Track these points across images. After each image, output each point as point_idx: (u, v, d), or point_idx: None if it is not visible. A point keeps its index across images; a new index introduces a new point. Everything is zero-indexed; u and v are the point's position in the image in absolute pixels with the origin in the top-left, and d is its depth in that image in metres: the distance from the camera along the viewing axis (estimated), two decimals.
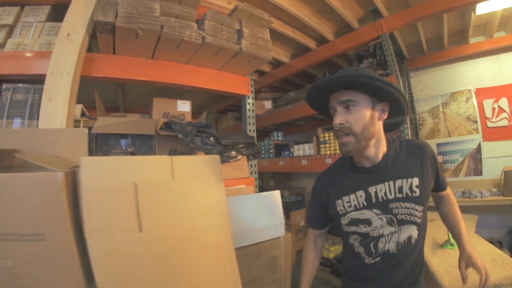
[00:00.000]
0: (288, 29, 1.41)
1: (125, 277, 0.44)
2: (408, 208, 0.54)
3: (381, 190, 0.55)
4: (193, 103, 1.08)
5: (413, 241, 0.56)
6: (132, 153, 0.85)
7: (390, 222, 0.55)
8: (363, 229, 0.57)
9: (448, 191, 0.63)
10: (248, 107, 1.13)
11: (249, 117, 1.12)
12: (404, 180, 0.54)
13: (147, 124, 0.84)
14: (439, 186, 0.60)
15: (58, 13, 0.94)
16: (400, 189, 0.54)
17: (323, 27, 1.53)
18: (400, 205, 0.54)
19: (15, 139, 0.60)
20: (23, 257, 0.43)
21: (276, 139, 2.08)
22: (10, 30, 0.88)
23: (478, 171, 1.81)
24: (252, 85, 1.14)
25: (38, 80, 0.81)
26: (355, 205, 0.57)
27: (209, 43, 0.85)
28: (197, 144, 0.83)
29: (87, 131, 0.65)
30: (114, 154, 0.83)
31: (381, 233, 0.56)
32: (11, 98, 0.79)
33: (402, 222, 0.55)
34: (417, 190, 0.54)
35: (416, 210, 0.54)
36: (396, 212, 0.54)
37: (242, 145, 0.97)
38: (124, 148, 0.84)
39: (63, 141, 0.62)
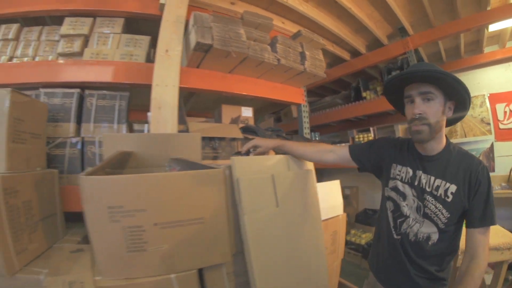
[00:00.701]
0: (328, 44, 1.62)
1: (267, 238, 0.62)
2: (436, 208, 0.56)
3: (423, 178, 0.58)
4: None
5: (430, 242, 0.57)
6: (217, 153, 1.03)
7: (418, 209, 0.58)
8: (397, 200, 0.61)
9: (481, 242, 0.53)
10: (303, 114, 1.32)
11: (304, 122, 1.30)
12: (443, 183, 0.56)
13: (232, 128, 1.02)
14: (472, 217, 0.55)
15: (130, 26, 1.11)
16: (437, 188, 0.56)
17: (357, 42, 1.74)
18: (432, 201, 0.57)
19: (131, 142, 0.76)
20: (180, 239, 0.56)
21: (314, 138, 2.26)
22: (85, 39, 1.03)
23: (490, 168, 1.98)
24: (305, 95, 1.34)
25: (121, 87, 0.96)
26: (402, 177, 0.62)
27: (283, 64, 1.03)
28: None
29: (200, 135, 0.83)
30: (204, 154, 1.01)
31: (408, 214, 0.59)
32: (96, 104, 0.94)
33: (426, 216, 0.57)
34: (451, 196, 0.55)
35: (442, 214, 0.55)
36: (426, 204, 0.57)
37: None
38: (212, 149, 1.02)
39: (179, 144, 0.79)
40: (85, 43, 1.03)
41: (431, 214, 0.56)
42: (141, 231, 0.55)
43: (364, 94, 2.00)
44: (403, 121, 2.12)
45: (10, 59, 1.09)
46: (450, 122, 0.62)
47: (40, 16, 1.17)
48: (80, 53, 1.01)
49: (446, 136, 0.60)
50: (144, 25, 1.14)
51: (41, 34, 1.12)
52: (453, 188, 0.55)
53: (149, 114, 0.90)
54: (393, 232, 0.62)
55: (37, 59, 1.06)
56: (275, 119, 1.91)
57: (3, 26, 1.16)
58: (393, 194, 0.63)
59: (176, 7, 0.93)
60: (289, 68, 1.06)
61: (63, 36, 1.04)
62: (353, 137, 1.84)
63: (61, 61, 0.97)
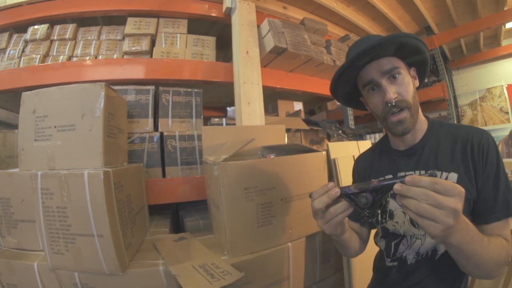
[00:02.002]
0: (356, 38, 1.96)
1: None
2: None
3: None
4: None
5: (437, 257, 0.48)
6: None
7: (413, 221, 0.49)
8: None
9: (503, 233, 0.43)
10: (348, 107, 1.59)
11: (349, 114, 1.58)
12: (438, 173, 0.47)
13: (297, 121, 1.25)
14: (482, 208, 0.45)
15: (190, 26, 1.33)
16: None
17: None
18: None
19: (226, 134, 0.98)
20: (297, 211, 0.79)
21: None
22: (151, 39, 1.24)
23: (510, 154, 2.39)
24: None
25: (193, 84, 1.18)
26: None
27: (337, 65, 1.31)
28: (337, 134, 1.26)
29: (284, 127, 1.05)
30: None
31: (402, 233, 0.52)
32: (172, 100, 1.15)
33: None
34: None
35: None
36: None
37: (350, 134, 1.43)
38: None
39: (267, 134, 1.01)
40: (152, 43, 1.24)
41: None
42: (270, 206, 0.76)
43: None
44: (432, 110, 2.50)
45: (69, 58, 1.27)
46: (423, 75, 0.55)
47: (86, 17, 1.36)
48: (148, 52, 1.21)
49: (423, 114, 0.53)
50: (192, 24, 1.36)
51: (100, 34, 1.31)
52: (453, 176, 0.46)
53: (230, 109, 1.11)
54: (386, 259, 0.55)
55: (100, 57, 1.24)
56: (309, 111, 2.18)
57: (58, 26, 1.34)
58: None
59: (247, 12, 1.18)
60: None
61: (127, 35, 1.24)
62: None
63: (134, 58, 1.17)
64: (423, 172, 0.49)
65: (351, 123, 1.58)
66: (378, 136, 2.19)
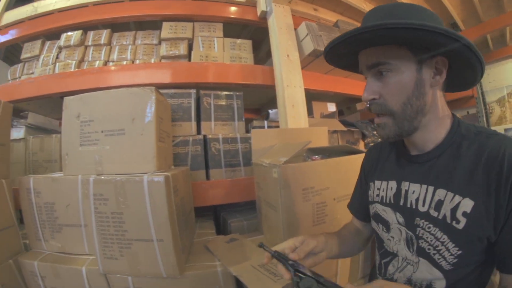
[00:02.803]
0: None
1: None
2: (437, 240, 0.41)
3: (413, 192, 0.44)
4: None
5: None
6: None
7: (408, 242, 0.45)
8: (381, 231, 0.50)
9: None
10: None
11: None
12: (450, 195, 0.40)
13: (335, 122, 1.37)
14: (500, 250, 0.38)
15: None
16: (439, 205, 0.41)
17: None
18: (429, 228, 0.41)
19: (273, 137, 1.10)
20: (346, 208, 0.83)
21: None
22: (188, 42, 1.38)
23: None
24: None
25: (233, 88, 1.31)
26: (382, 197, 0.50)
27: None
28: (372, 135, 1.39)
29: (327, 128, 1.17)
30: None
31: (395, 251, 0.47)
32: (213, 103, 1.28)
33: (421, 252, 0.43)
34: (463, 220, 0.38)
35: (447, 249, 0.40)
36: (420, 235, 0.43)
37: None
38: None
39: (311, 136, 1.13)
40: (189, 46, 1.37)
41: (429, 249, 0.42)
42: (324, 206, 0.88)
43: None
44: (460, 108, 2.60)
45: (105, 63, 1.40)
46: (462, 81, 0.45)
47: (117, 23, 1.50)
48: (186, 56, 1.34)
49: (452, 114, 0.45)
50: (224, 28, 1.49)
51: (135, 39, 1.45)
52: (467, 204, 0.38)
53: (272, 111, 1.24)
54: (378, 275, 0.52)
55: (137, 62, 1.38)
56: (338, 112, 2.33)
57: (92, 32, 1.48)
58: (374, 225, 0.52)
59: (283, 15, 1.31)
60: None
61: (164, 39, 1.38)
62: None
63: (176, 62, 1.30)
64: (431, 188, 0.41)
65: None
66: None
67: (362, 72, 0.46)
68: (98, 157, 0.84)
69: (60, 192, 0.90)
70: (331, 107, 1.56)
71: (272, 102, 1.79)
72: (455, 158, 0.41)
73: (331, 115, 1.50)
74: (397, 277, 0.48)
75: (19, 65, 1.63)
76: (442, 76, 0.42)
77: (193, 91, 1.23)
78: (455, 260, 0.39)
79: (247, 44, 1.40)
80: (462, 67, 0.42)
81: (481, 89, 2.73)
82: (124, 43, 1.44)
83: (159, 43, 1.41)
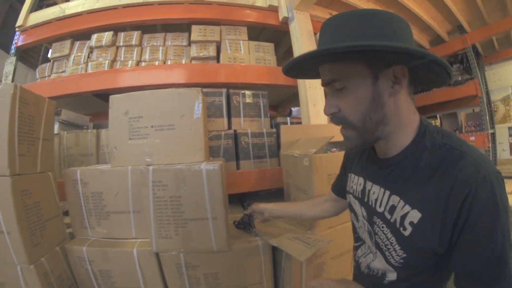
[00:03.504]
0: None
1: None
2: (388, 239, 0.48)
3: (374, 193, 0.51)
4: None
5: (385, 282, 0.51)
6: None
7: (370, 235, 0.54)
8: (353, 219, 0.61)
9: None
10: None
11: None
12: (401, 203, 0.45)
13: None
14: (458, 270, 0.42)
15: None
16: (392, 209, 0.47)
17: (422, 39, 2.54)
18: (383, 227, 0.49)
19: (299, 132, 1.37)
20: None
21: None
22: (217, 45, 1.63)
23: None
24: None
25: (259, 87, 1.56)
26: (354, 190, 0.59)
27: None
28: None
29: None
30: None
31: (363, 239, 0.57)
32: (242, 101, 1.53)
33: (377, 246, 0.51)
34: (409, 229, 0.43)
35: (394, 250, 0.47)
36: (376, 231, 0.51)
37: None
38: None
39: (330, 132, 1.39)
40: (217, 48, 1.62)
41: (382, 245, 0.50)
42: None
43: None
44: (465, 106, 2.91)
45: (137, 63, 1.63)
46: (428, 83, 0.51)
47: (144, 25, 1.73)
48: (215, 57, 1.59)
49: (421, 119, 0.48)
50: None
51: (165, 40, 1.69)
52: (414, 215, 0.43)
53: (294, 109, 1.49)
54: (353, 255, 0.64)
55: (168, 62, 1.61)
56: None
57: (122, 33, 1.71)
58: (349, 213, 0.63)
59: (304, 22, 1.57)
60: None
61: (194, 42, 1.62)
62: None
63: (208, 63, 1.55)
64: (387, 192, 0.48)
65: None
66: None
67: (323, 85, 0.49)
68: (148, 150, 1.03)
69: (109, 182, 1.06)
70: None
71: (289, 100, 2.04)
72: (413, 168, 0.45)
73: None
74: (361, 261, 0.58)
75: (48, 64, 1.85)
76: (401, 84, 0.44)
77: (224, 90, 1.47)
78: (401, 261, 0.46)
79: (270, 47, 1.65)
80: (426, 73, 0.44)
81: (486, 88, 3.04)
82: (155, 44, 1.67)
83: (189, 44, 1.65)
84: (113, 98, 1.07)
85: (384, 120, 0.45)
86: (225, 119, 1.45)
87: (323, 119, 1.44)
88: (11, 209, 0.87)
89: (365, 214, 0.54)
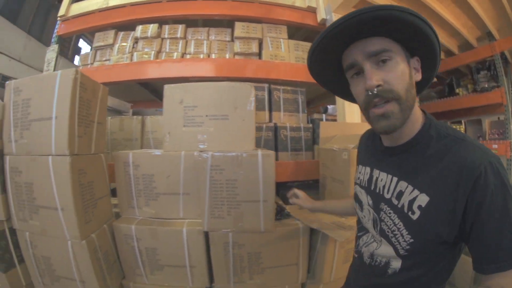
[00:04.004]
0: None
1: None
2: (395, 225, 0.52)
3: (381, 180, 0.56)
4: None
5: (389, 271, 0.54)
6: None
7: (374, 223, 0.57)
8: (357, 209, 0.65)
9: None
10: None
11: None
12: (410, 188, 0.50)
13: None
14: (477, 253, 0.45)
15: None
16: (399, 195, 0.51)
17: (450, 43, 2.72)
18: (390, 213, 0.53)
19: (335, 128, 1.56)
20: None
21: None
22: (259, 42, 1.84)
23: None
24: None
25: (297, 84, 1.75)
26: (361, 180, 0.64)
27: None
28: None
29: None
30: None
31: (367, 228, 0.61)
32: (282, 97, 1.72)
33: (382, 233, 0.55)
34: (417, 212, 0.48)
35: (402, 235, 0.50)
36: (382, 218, 0.55)
37: None
38: None
39: (363, 129, 1.58)
40: (259, 45, 1.81)
41: (388, 231, 0.53)
42: None
43: (457, 91, 3.09)
44: (490, 113, 3.08)
45: (182, 55, 1.83)
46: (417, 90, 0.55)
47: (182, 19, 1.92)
48: (257, 54, 1.78)
49: (423, 111, 0.55)
50: None
51: (209, 35, 1.88)
52: (423, 199, 0.47)
53: (330, 106, 1.68)
54: (354, 246, 0.67)
55: (212, 56, 1.81)
56: None
57: (167, 26, 1.91)
58: (354, 203, 0.68)
59: None
60: None
61: (237, 38, 1.81)
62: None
63: (252, 59, 1.74)
64: (395, 179, 0.53)
65: None
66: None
67: (353, 65, 0.51)
68: (202, 137, 1.18)
69: (161, 165, 1.18)
70: None
71: (319, 97, 2.23)
72: (421, 156, 0.50)
73: None
74: (364, 251, 0.61)
75: (90, 52, 2.06)
76: (418, 74, 0.52)
77: (266, 85, 1.67)
78: (408, 247, 0.50)
79: (308, 46, 1.84)
80: (428, 65, 0.53)
81: (511, 96, 3.20)
82: (199, 38, 1.87)
83: (232, 40, 1.84)
84: (168, 87, 1.21)
85: (414, 101, 0.50)
86: (267, 112, 1.64)
87: (357, 118, 1.63)
88: (68, 187, 0.95)
89: (371, 202, 0.59)
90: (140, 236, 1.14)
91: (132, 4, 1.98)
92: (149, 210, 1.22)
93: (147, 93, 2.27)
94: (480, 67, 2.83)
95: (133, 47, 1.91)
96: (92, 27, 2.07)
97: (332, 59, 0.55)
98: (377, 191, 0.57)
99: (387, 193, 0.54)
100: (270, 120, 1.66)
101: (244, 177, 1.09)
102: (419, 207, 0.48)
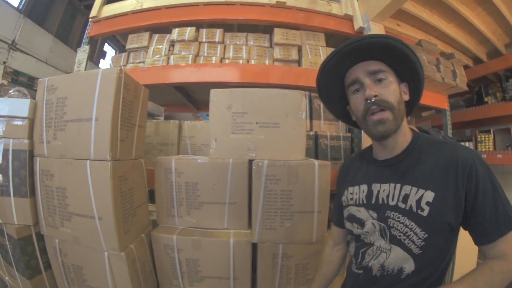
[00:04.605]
0: (458, 53, 2.75)
1: None
2: (406, 226, 0.60)
3: (384, 190, 0.65)
4: None
5: (403, 276, 0.61)
6: None
7: (382, 233, 0.64)
8: (355, 229, 0.71)
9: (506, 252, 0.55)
10: (448, 117, 2.35)
11: (448, 125, 2.34)
12: (414, 189, 0.60)
13: (415, 130, 1.99)
14: (482, 228, 0.57)
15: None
16: (405, 198, 0.61)
17: (479, 50, 2.91)
18: (399, 218, 0.61)
19: None
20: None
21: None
22: (298, 49, 1.97)
23: None
24: (448, 102, 2.39)
25: None
26: (356, 199, 0.72)
27: (447, 83, 2.05)
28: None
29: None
30: None
31: (372, 241, 0.67)
32: (322, 105, 1.86)
33: (394, 240, 0.62)
34: (426, 208, 0.58)
35: (415, 234, 0.59)
36: (391, 224, 0.63)
37: None
38: None
39: None
40: (298, 52, 1.95)
41: (400, 236, 0.61)
42: None
43: (485, 99, 3.29)
44: (506, 123, 3.27)
45: (221, 60, 1.96)
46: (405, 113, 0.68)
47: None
48: (296, 61, 1.92)
49: (411, 129, 0.69)
50: None
51: (247, 40, 2.02)
52: (429, 195, 0.58)
53: None
54: (353, 263, 0.72)
55: (252, 61, 1.94)
56: None
57: (204, 30, 2.04)
58: (349, 226, 0.74)
59: (379, 33, 1.91)
60: (450, 85, 2.09)
61: (277, 44, 1.95)
62: (475, 136, 3.06)
63: (292, 67, 1.88)
64: (398, 185, 0.63)
65: (449, 131, 2.34)
66: (467, 145, 2.99)
67: (355, 81, 0.67)
68: (252, 145, 1.19)
69: (206, 173, 1.19)
70: None
71: None
72: (417, 160, 0.63)
73: (409, 122, 2.12)
74: (372, 264, 0.66)
75: (123, 54, 2.17)
76: (406, 96, 0.69)
77: (307, 93, 1.80)
78: (423, 243, 0.58)
79: None
80: (414, 90, 0.70)
81: None
82: (238, 43, 2.00)
83: (270, 46, 1.98)
84: (215, 92, 1.23)
85: (403, 114, 0.66)
86: (308, 121, 1.78)
87: None
88: (108, 195, 0.91)
89: (375, 215, 0.67)
90: (181, 246, 1.15)
91: (167, 7, 2.11)
92: (191, 219, 1.23)
93: (180, 97, 2.39)
94: (509, 74, 3.02)
95: (169, 50, 2.04)
96: (125, 28, 2.20)
97: (337, 78, 0.72)
98: (380, 202, 0.66)
99: (392, 200, 0.63)
100: (311, 129, 1.79)
101: (299, 188, 1.13)
102: (427, 203, 0.58)
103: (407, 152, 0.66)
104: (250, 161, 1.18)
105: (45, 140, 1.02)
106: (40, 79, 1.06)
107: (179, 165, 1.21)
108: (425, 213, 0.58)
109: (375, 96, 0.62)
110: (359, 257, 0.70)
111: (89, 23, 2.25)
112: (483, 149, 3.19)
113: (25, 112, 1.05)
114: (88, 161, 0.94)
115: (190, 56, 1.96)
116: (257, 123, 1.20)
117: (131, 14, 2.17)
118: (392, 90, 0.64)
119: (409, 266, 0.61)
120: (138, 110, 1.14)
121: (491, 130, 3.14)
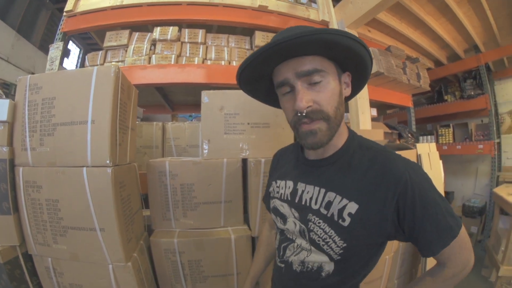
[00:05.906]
0: (421, 56, 3.35)
1: None
2: (326, 233, 0.64)
3: (308, 192, 0.69)
4: None
5: (323, 274, 0.67)
6: None
7: (301, 234, 0.69)
8: (279, 223, 0.77)
9: (451, 255, 0.61)
10: (412, 114, 2.90)
11: (412, 121, 2.89)
12: (338, 198, 0.63)
13: (382, 126, 2.48)
14: (419, 242, 0.61)
15: None
16: (328, 205, 0.64)
17: (441, 54, 3.58)
18: (319, 223, 0.65)
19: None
20: None
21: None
22: None
23: None
24: (412, 100, 2.95)
25: None
26: (281, 194, 0.77)
27: (412, 84, 2.59)
28: (406, 136, 2.54)
29: (383, 131, 2.28)
30: None
31: (293, 239, 0.73)
32: None
33: (313, 243, 0.67)
34: (348, 219, 0.61)
35: (334, 242, 0.63)
36: (311, 228, 0.67)
37: (411, 136, 2.75)
38: None
39: (374, 135, 2.22)
40: None
41: (319, 240, 0.65)
42: None
43: (445, 97, 4.03)
44: (475, 117, 4.06)
45: (203, 60, 2.28)
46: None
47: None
48: None
49: (346, 125, 0.69)
50: None
51: (229, 42, 2.35)
52: (352, 207, 0.61)
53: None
54: (277, 257, 0.79)
55: (233, 63, 2.28)
56: None
57: (187, 30, 2.33)
58: (274, 218, 0.81)
59: None
60: (414, 86, 2.64)
61: (258, 46, 2.31)
62: (437, 131, 3.85)
63: None
64: (323, 190, 0.66)
65: (413, 127, 2.91)
66: (429, 138, 3.62)
67: (285, 82, 0.63)
68: (244, 144, 1.33)
69: (202, 174, 1.28)
70: (373, 112, 2.67)
71: None
72: (347, 166, 0.65)
73: (377, 119, 2.62)
74: (292, 260, 0.72)
75: (100, 52, 2.37)
76: (348, 89, 0.68)
77: None
78: (341, 251, 0.63)
79: None
80: (357, 80, 0.70)
81: (494, 101, 4.17)
82: (220, 44, 2.33)
83: (251, 48, 2.34)
84: (207, 93, 1.35)
85: (342, 117, 0.65)
86: None
87: (368, 125, 2.26)
88: (110, 204, 0.91)
89: (296, 214, 0.71)
90: (183, 249, 1.23)
91: (149, 4, 2.34)
92: (187, 221, 1.32)
93: (157, 98, 2.61)
94: (466, 76, 3.74)
95: (150, 49, 2.29)
96: (103, 25, 2.34)
97: (262, 74, 0.69)
98: (303, 203, 0.69)
99: (315, 204, 0.66)
100: None
101: None
102: (350, 214, 0.61)
103: (338, 156, 0.68)
104: (243, 160, 1.37)
105: (29, 147, 0.98)
106: (20, 77, 1.03)
107: (173, 167, 1.30)
108: (345, 224, 0.61)
109: (308, 107, 0.60)
110: (281, 251, 0.77)
111: (62, 18, 2.39)
112: (444, 141, 3.94)
113: (3, 115, 0.99)
114: (84, 168, 0.92)
115: (173, 56, 2.23)
116: (248, 123, 1.36)
117: (110, 10, 2.32)
118: (329, 94, 0.61)
119: (328, 266, 0.67)
120: (130, 112, 1.17)
121: (451, 125, 3.92)
